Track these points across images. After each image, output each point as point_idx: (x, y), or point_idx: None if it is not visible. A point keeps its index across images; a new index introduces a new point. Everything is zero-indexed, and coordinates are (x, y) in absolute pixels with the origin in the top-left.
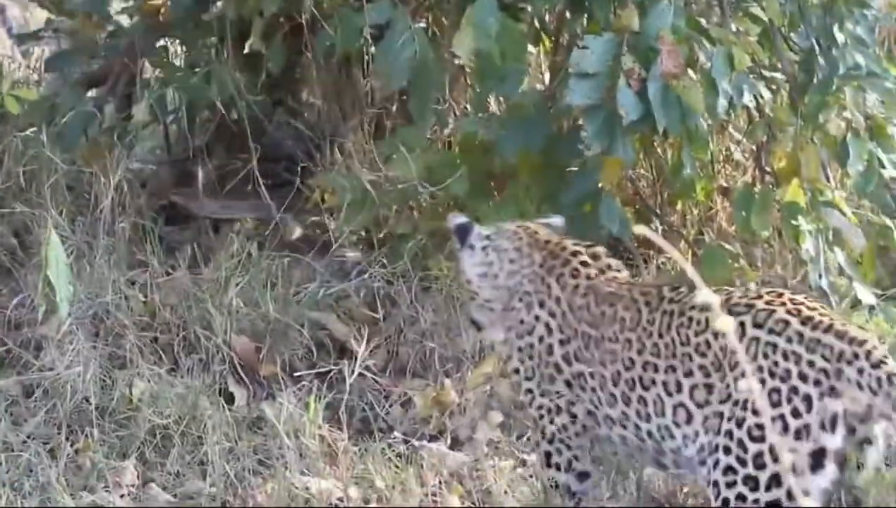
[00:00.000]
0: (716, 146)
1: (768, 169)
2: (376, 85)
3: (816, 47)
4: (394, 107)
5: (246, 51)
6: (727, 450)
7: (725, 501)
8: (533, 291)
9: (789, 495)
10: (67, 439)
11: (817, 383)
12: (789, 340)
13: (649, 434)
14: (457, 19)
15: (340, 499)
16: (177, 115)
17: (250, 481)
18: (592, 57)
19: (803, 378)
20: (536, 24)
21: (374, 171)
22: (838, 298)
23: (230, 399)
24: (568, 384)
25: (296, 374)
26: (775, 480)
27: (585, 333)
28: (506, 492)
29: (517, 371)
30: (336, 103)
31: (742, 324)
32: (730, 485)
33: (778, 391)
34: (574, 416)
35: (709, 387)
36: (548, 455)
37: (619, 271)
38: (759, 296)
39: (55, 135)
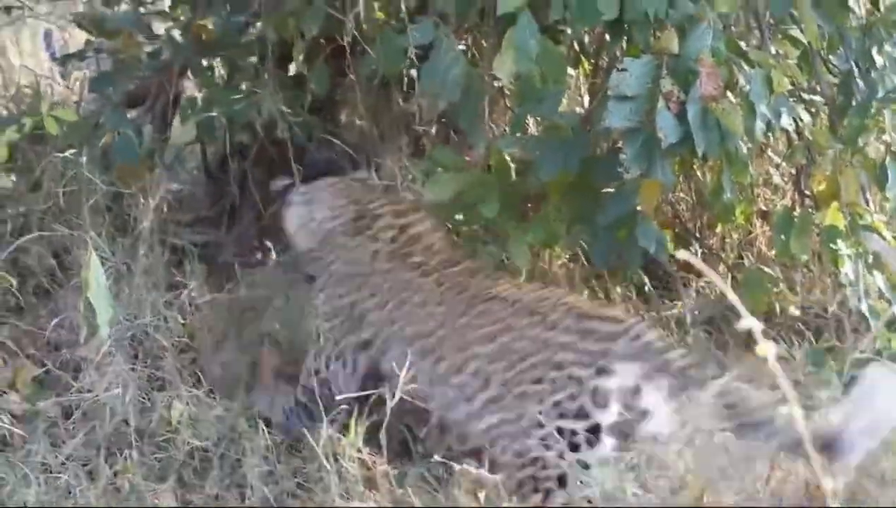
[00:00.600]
0: (755, 169)
1: (807, 192)
2: (423, 104)
3: (855, 70)
4: (433, 129)
5: (290, 73)
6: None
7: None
8: (341, 244)
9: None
10: (106, 461)
11: (588, 365)
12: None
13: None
14: (497, 41)
15: None
16: (218, 136)
17: (289, 504)
18: (631, 79)
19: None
20: (576, 46)
21: (414, 192)
22: (878, 322)
23: (269, 421)
24: (357, 329)
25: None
26: (560, 456)
27: (391, 290)
28: None
29: (318, 308)
30: (375, 124)
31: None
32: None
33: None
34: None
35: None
36: (310, 389)
37: (432, 231)
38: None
39: (97, 155)
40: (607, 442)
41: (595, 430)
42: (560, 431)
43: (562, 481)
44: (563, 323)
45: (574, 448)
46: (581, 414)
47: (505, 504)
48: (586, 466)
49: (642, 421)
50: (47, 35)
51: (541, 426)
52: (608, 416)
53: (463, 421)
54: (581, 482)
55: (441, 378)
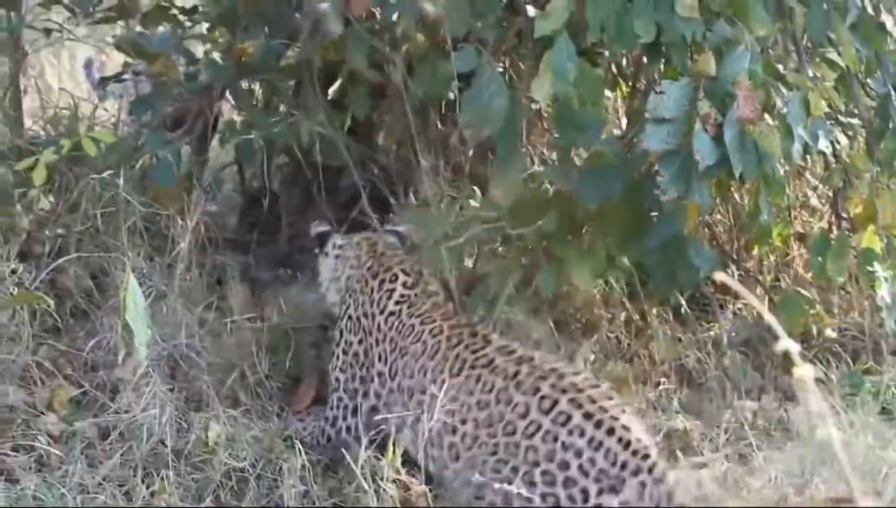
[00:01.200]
0: (792, 192)
1: (844, 215)
2: (466, 134)
3: (893, 93)
4: (470, 152)
5: (329, 97)
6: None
7: None
8: (359, 290)
9: None
10: (143, 481)
11: (597, 480)
12: (570, 433)
13: (432, 457)
14: (534, 64)
15: None
16: (256, 158)
17: None
18: (669, 102)
19: (584, 472)
20: (614, 69)
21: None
22: None
23: (305, 442)
24: (364, 380)
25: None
26: None
27: (394, 340)
28: None
29: (336, 358)
30: (412, 147)
31: (527, 405)
32: None
33: (553, 475)
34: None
35: (475, 438)
36: (325, 434)
37: (437, 293)
38: (544, 378)
39: (137, 177)
40: None
41: None
42: None
43: None
44: (573, 420)
45: None
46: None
47: None
48: None
49: None
50: (88, 63)
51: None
52: None
53: (451, 479)
54: None
55: (434, 437)
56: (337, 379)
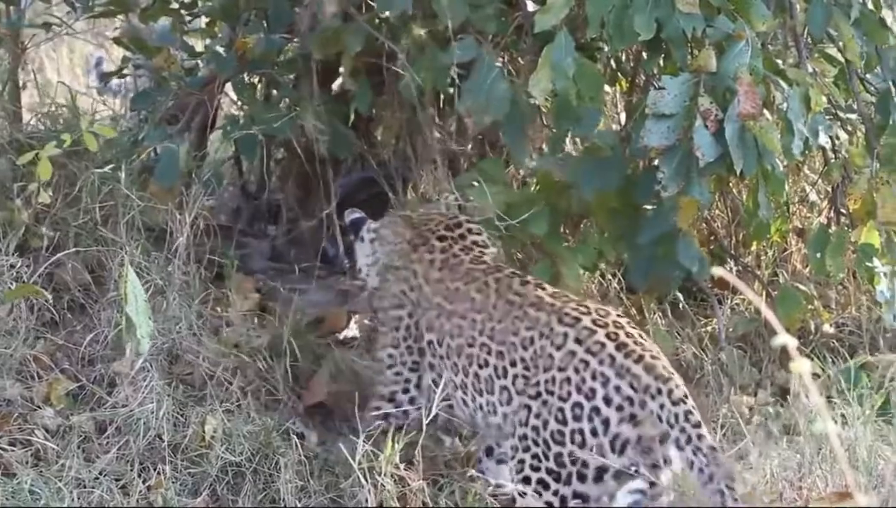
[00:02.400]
0: (791, 187)
1: (843, 210)
2: (467, 121)
3: (893, 88)
4: (469, 146)
5: (334, 91)
6: (535, 442)
7: (527, 479)
8: (401, 266)
9: (578, 495)
10: (140, 476)
11: (619, 409)
12: (601, 362)
13: (481, 406)
14: (533, 59)
15: None
16: (256, 152)
17: None
18: (669, 97)
19: (607, 401)
20: (613, 64)
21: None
22: None
23: (303, 435)
24: (421, 351)
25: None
26: (570, 478)
27: (440, 305)
28: None
29: (385, 336)
30: (411, 141)
31: (565, 335)
32: (535, 469)
33: (581, 406)
34: (422, 389)
35: (526, 379)
36: (378, 408)
37: (484, 247)
38: (588, 312)
39: (137, 171)
40: (610, 484)
41: (604, 470)
42: (573, 456)
43: (562, 500)
44: (605, 351)
45: (581, 478)
46: (598, 452)
47: None
48: (586, 498)
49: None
50: (99, 62)
51: (559, 444)
52: (620, 461)
53: (500, 423)
54: None
55: (483, 385)
56: (391, 355)
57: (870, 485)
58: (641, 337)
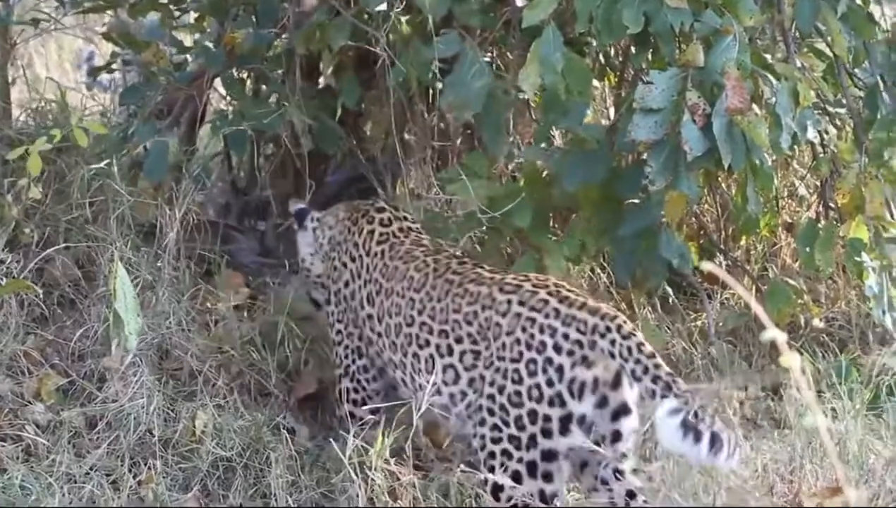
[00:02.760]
0: (780, 182)
1: (832, 205)
2: (449, 116)
3: (881, 83)
4: (458, 141)
5: (320, 86)
6: (491, 412)
7: (492, 454)
8: (341, 240)
9: (546, 455)
10: (130, 471)
11: (570, 353)
12: (546, 316)
13: (420, 386)
14: (522, 54)
15: None
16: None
17: None
18: (657, 92)
19: (557, 349)
20: (601, 58)
21: (438, 203)
22: None
23: (294, 431)
24: (363, 323)
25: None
26: (533, 440)
27: (377, 281)
28: None
29: (331, 314)
30: (399, 136)
31: (509, 302)
32: (495, 441)
33: (534, 362)
34: (372, 359)
35: (476, 353)
36: (346, 391)
37: (420, 233)
38: (528, 279)
39: (127, 166)
40: (577, 433)
41: (568, 419)
42: (533, 414)
43: (531, 467)
44: (548, 306)
45: (547, 434)
46: (557, 402)
47: None
48: (555, 455)
49: (620, 415)
50: (90, 57)
51: (517, 406)
52: (582, 407)
53: (446, 403)
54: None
55: (424, 365)
56: (339, 332)
57: (860, 479)
58: (582, 291)
